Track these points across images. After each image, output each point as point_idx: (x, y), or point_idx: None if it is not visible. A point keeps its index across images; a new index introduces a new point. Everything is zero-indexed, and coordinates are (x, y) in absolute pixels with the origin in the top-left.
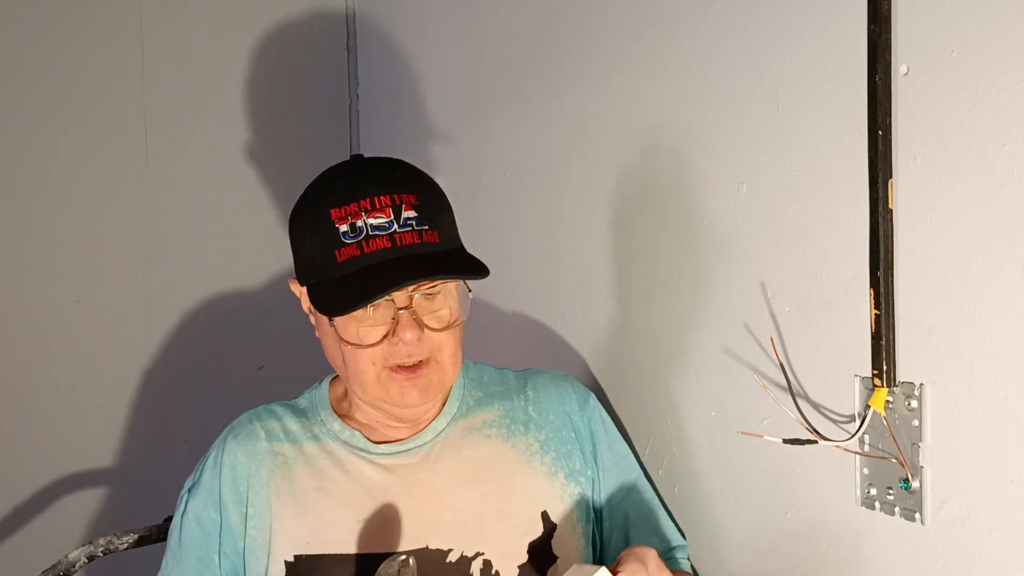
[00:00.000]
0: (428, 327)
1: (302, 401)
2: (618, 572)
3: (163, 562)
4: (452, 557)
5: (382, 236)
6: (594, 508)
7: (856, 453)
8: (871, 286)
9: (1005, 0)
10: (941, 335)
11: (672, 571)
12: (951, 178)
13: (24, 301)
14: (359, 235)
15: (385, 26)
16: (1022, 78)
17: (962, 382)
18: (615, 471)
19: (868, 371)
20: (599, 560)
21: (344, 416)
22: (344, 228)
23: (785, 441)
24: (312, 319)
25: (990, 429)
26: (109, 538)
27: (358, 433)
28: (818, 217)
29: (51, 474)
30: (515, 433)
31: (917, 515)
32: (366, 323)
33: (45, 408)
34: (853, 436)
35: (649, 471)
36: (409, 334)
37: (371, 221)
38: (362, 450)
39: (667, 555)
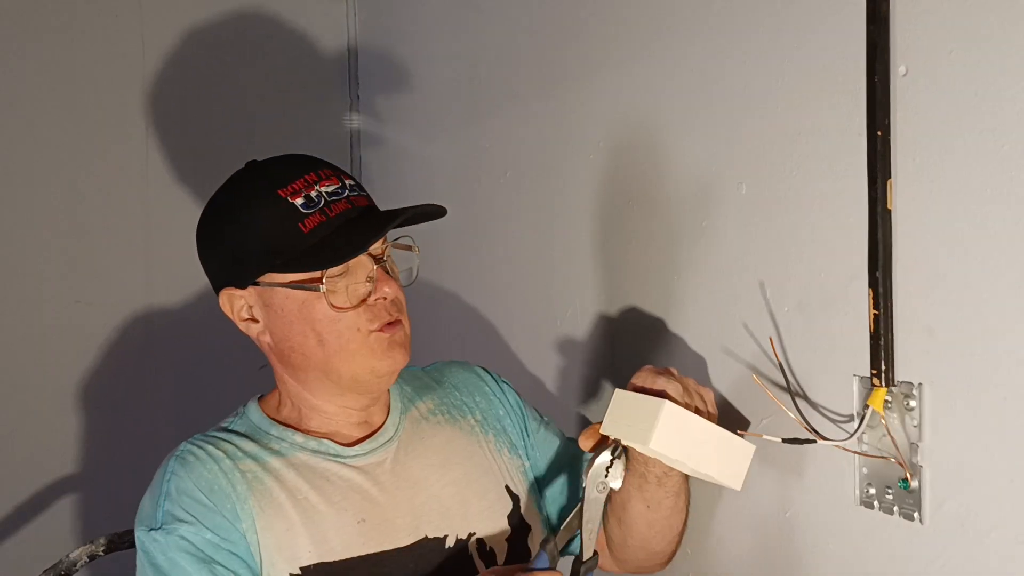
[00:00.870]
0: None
1: (237, 426)
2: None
3: None
4: (449, 543)
5: (340, 200)
6: (536, 474)
7: (855, 453)
8: (870, 286)
9: (1005, 0)
10: (940, 335)
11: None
12: (951, 178)
13: (24, 301)
14: (319, 203)
15: (385, 27)
16: (1022, 78)
17: (961, 382)
18: (541, 433)
19: (867, 371)
20: (553, 525)
21: (297, 430)
22: (300, 201)
23: (784, 441)
24: (256, 324)
25: (989, 429)
26: (110, 537)
27: (326, 440)
28: (818, 217)
29: (51, 474)
30: (456, 418)
31: (916, 514)
32: (352, 282)
33: (45, 408)
34: (852, 436)
35: None
36: (388, 288)
37: (324, 189)
38: (335, 455)
39: None
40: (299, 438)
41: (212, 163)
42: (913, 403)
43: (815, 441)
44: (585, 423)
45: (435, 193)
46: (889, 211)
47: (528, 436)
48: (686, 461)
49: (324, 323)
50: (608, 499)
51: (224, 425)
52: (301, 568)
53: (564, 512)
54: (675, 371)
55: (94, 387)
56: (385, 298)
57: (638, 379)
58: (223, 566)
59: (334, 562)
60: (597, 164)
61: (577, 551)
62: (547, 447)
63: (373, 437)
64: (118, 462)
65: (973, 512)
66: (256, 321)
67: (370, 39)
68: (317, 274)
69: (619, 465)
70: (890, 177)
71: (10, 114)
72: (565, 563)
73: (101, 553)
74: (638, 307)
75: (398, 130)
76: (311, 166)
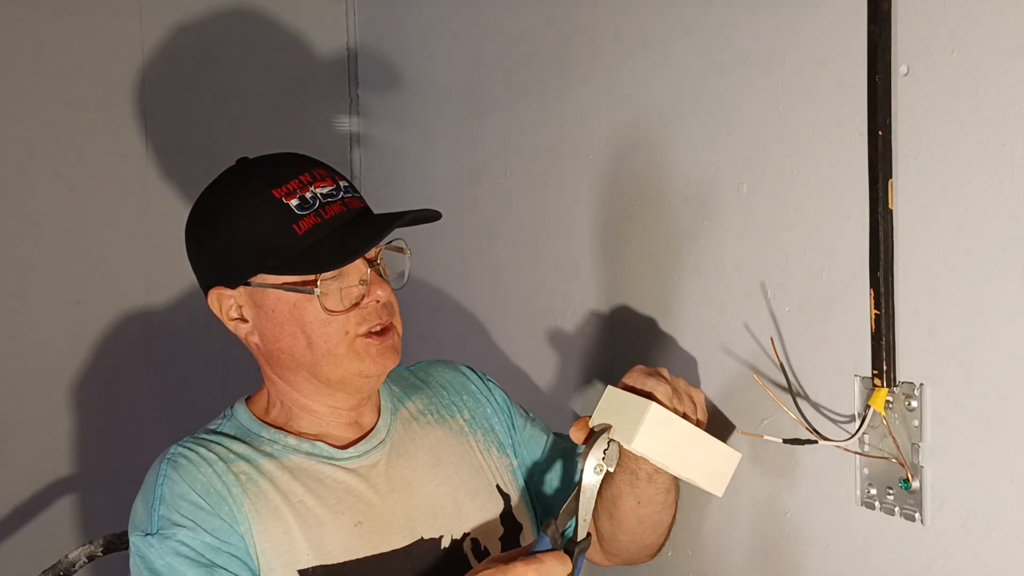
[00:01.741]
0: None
1: (226, 428)
2: (642, 387)
3: None
4: (444, 543)
5: (335, 202)
6: (525, 472)
7: (856, 453)
8: (871, 286)
9: (1005, 0)
10: (941, 335)
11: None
12: (951, 178)
13: (24, 301)
14: (313, 205)
15: (386, 27)
16: (1022, 78)
17: (962, 382)
18: (528, 430)
19: (868, 371)
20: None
21: (288, 432)
22: (295, 202)
23: (785, 441)
24: (245, 323)
25: (990, 429)
26: (109, 538)
27: (320, 443)
28: (818, 217)
29: (50, 474)
30: (444, 418)
31: (917, 515)
32: (345, 285)
33: (45, 408)
34: (853, 436)
35: None
36: (381, 291)
37: (319, 191)
38: (329, 458)
39: None
40: (292, 440)
41: (211, 163)
42: (914, 403)
43: (816, 442)
44: None
45: (435, 193)
46: (890, 211)
47: (515, 433)
48: (668, 464)
49: (315, 325)
50: (601, 489)
51: (212, 427)
52: (299, 571)
53: (556, 505)
54: (666, 372)
55: (93, 387)
56: (378, 301)
57: (629, 379)
58: (224, 569)
59: (332, 565)
60: (597, 164)
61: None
62: (534, 444)
63: (366, 439)
64: (117, 462)
65: (974, 512)
66: (245, 321)
67: (370, 40)
68: (311, 277)
69: (614, 448)
70: (891, 177)
71: (9, 114)
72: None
73: (100, 553)
74: (638, 307)
75: (397, 130)
76: (305, 166)
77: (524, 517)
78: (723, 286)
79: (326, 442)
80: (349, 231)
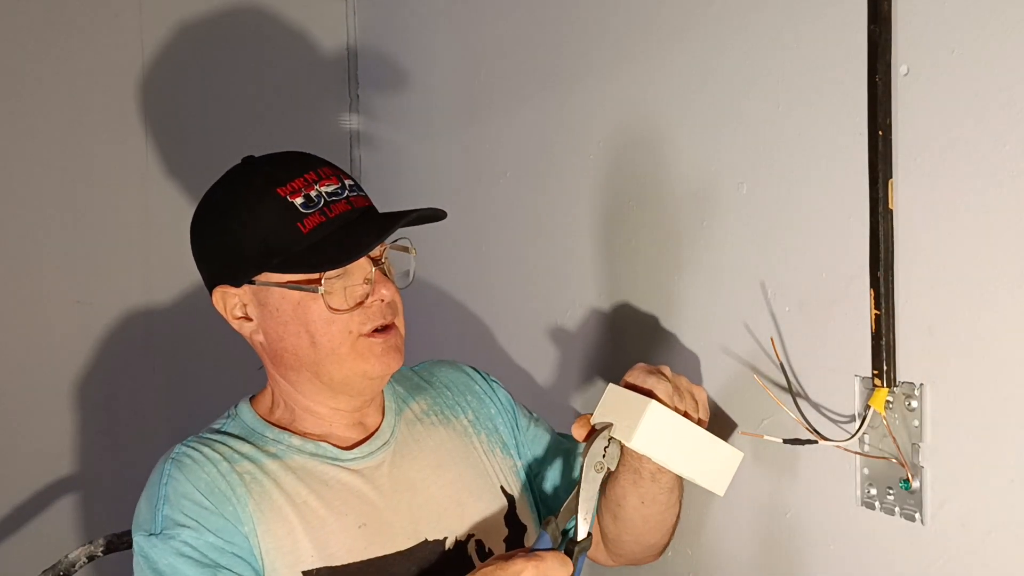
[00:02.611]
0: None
1: (230, 428)
2: (643, 385)
3: None
4: (448, 545)
5: (340, 200)
6: (528, 472)
7: (856, 453)
8: (871, 286)
9: (1005, 0)
10: (941, 335)
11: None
12: (951, 178)
13: (24, 301)
14: (318, 203)
15: (385, 27)
16: (1022, 78)
17: (962, 382)
18: (532, 430)
19: (868, 371)
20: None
21: (292, 432)
22: (299, 200)
23: (785, 441)
24: (250, 322)
25: (990, 429)
26: (110, 538)
27: (324, 443)
28: (818, 217)
29: (50, 474)
30: (448, 418)
31: (917, 515)
32: (349, 283)
33: (45, 408)
34: (853, 436)
35: None
36: (385, 290)
37: (324, 189)
38: (333, 459)
39: None
40: (296, 441)
41: (212, 163)
42: (914, 403)
43: (816, 442)
44: None
45: (435, 193)
46: (890, 211)
47: (519, 433)
48: (668, 462)
49: (318, 324)
50: (603, 488)
51: (216, 427)
52: (303, 572)
53: (559, 505)
54: (667, 370)
55: (94, 387)
56: (382, 300)
57: (631, 376)
58: (228, 569)
59: (336, 567)
60: (597, 164)
61: (573, 531)
62: (538, 444)
63: (370, 440)
64: (118, 462)
65: (974, 513)
66: (250, 320)
67: (370, 39)
68: (315, 275)
69: (615, 446)
70: (891, 177)
71: (10, 114)
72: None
73: (100, 554)
74: (638, 307)
75: (398, 130)
76: (310, 165)
77: (528, 518)
78: (723, 286)
79: (330, 443)
80: (353, 229)
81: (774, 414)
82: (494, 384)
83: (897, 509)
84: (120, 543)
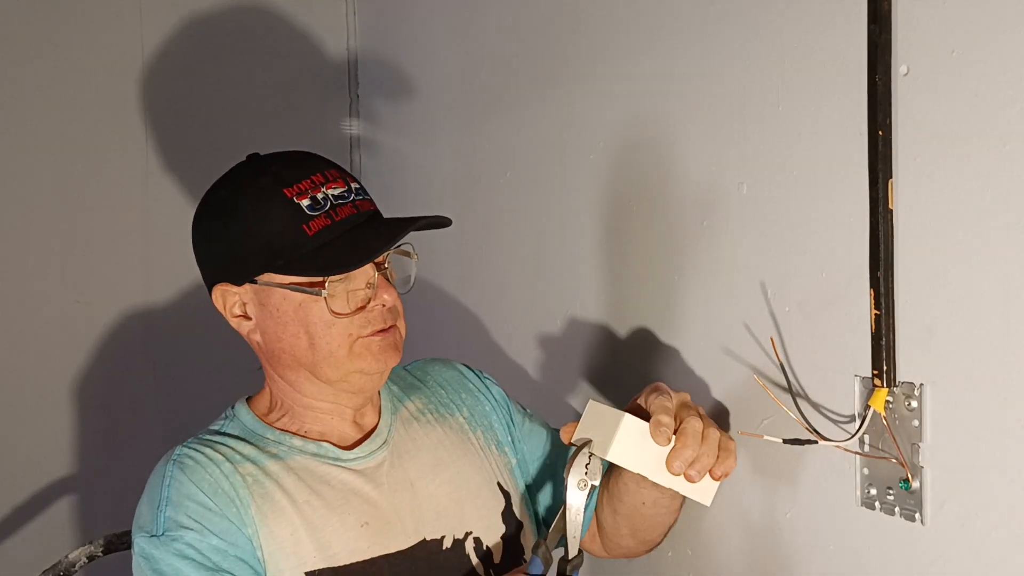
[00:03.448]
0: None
1: (229, 429)
2: (645, 404)
3: None
4: (447, 544)
5: (346, 204)
6: (524, 469)
7: (856, 453)
8: (871, 286)
9: (1005, 0)
10: (941, 335)
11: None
12: (951, 178)
13: (24, 301)
14: (324, 206)
15: (386, 29)
16: (1022, 78)
17: (962, 382)
18: (527, 426)
19: (868, 371)
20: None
21: (292, 433)
22: (306, 203)
23: (785, 441)
24: (249, 321)
25: (990, 429)
26: (110, 538)
27: (325, 444)
28: (818, 217)
29: (50, 474)
30: (443, 417)
31: (917, 515)
32: (352, 287)
33: (44, 408)
34: (853, 436)
35: None
36: (387, 295)
37: (331, 192)
38: (334, 459)
39: None
40: (297, 441)
41: (212, 165)
42: (914, 403)
43: (816, 442)
44: None
45: (435, 194)
46: (890, 211)
47: (514, 430)
48: (648, 473)
49: (319, 326)
50: (591, 494)
51: (216, 428)
52: (306, 573)
53: (555, 503)
54: (664, 386)
55: (93, 387)
56: (384, 305)
57: (640, 397)
58: (229, 573)
59: (339, 567)
60: (597, 165)
61: (564, 550)
62: (534, 439)
63: (369, 440)
64: (117, 462)
65: (974, 513)
66: (248, 319)
67: (370, 41)
68: (319, 278)
69: (596, 462)
70: (891, 177)
71: (9, 113)
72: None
73: (100, 554)
74: (638, 307)
75: (398, 131)
76: (318, 166)
77: (524, 514)
78: (723, 286)
79: (331, 443)
80: (359, 234)
81: (774, 414)
82: (487, 381)
83: (897, 509)
84: (120, 543)
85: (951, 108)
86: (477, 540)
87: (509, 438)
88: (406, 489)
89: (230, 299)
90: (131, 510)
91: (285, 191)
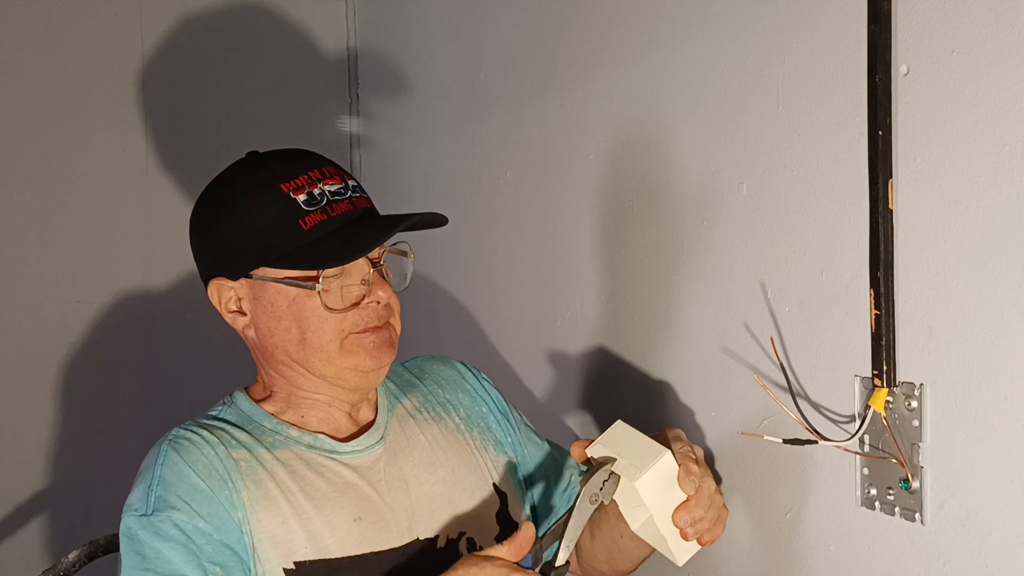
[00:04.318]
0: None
1: (227, 415)
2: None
3: None
4: (440, 543)
5: (342, 200)
6: (521, 471)
7: (856, 453)
8: (871, 286)
9: (1005, 0)
10: (941, 335)
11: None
12: (951, 178)
13: (24, 301)
14: (321, 201)
15: (385, 28)
16: (1022, 78)
17: (962, 382)
18: (523, 429)
19: (868, 371)
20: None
21: (289, 424)
22: (302, 198)
23: (785, 441)
24: (244, 316)
25: (990, 429)
26: (109, 538)
27: (322, 436)
28: (818, 217)
29: (50, 474)
30: (440, 415)
31: (917, 515)
32: (346, 283)
33: (44, 408)
34: (853, 436)
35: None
36: (382, 292)
37: (327, 188)
38: (330, 452)
39: None
40: (294, 432)
41: (211, 163)
42: (914, 403)
43: (816, 442)
44: (584, 422)
45: (435, 193)
46: (890, 211)
47: (512, 432)
48: (655, 513)
49: (311, 321)
50: (592, 518)
51: (213, 413)
52: (296, 563)
53: (541, 509)
54: (684, 435)
55: (93, 387)
56: (378, 302)
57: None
58: (212, 561)
59: (330, 559)
60: (597, 164)
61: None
62: (528, 445)
63: (366, 435)
64: (117, 462)
65: (974, 513)
66: (243, 314)
67: (370, 40)
68: (313, 273)
69: (613, 481)
70: (891, 177)
71: (9, 112)
72: None
73: (100, 554)
74: (638, 307)
75: (398, 130)
76: (315, 163)
77: (520, 516)
78: (723, 286)
79: (327, 435)
80: (354, 230)
81: (774, 414)
82: (485, 382)
83: (897, 509)
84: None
85: (952, 108)
86: (471, 540)
87: (508, 440)
88: (400, 487)
89: (225, 294)
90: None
91: (282, 186)
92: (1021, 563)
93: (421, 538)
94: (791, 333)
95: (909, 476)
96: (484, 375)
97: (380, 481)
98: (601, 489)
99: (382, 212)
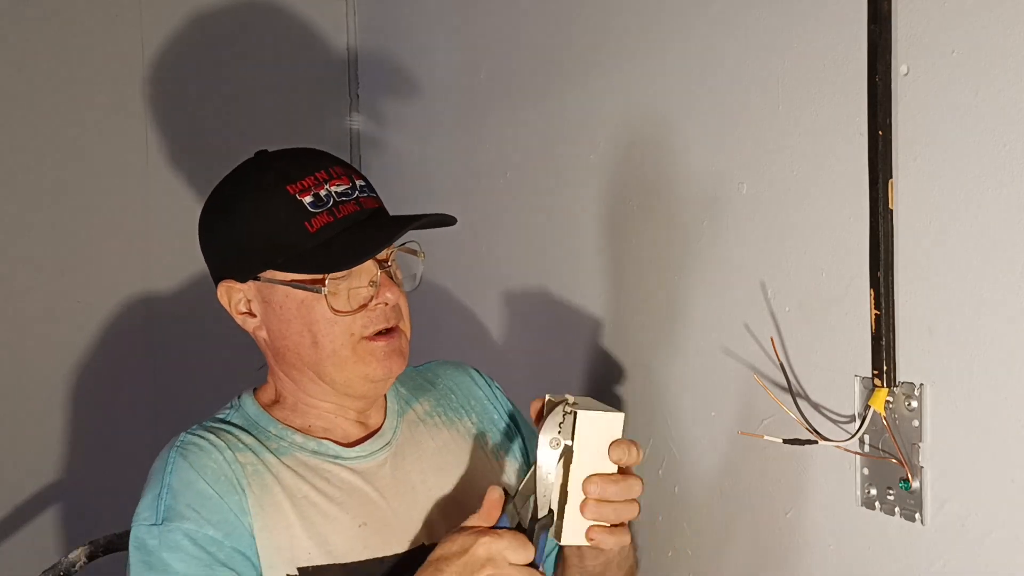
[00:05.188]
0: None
1: (234, 418)
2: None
3: None
4: None
5: (349, 201)
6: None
7: (856, 453)
8: (871, 286)
9: (1005, 0)
10: (941, 335)
11: None
12: (951, 178)
13: (24, 301)
14: (327, 203)
15: (386, 27)
16: (1022, 78)
17: (962, 382)
18: (532, 435)
19: (868, 371)
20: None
21: (295, 428)
22: (308, 199)
23: (785, 441)
24: (254, 318)
25: (990, 429)
26: (110, 538)
27: (327, 441)
28: (818, 217)
29: (50, 474)
30: (453, 420)
31: (917, 515)
32: (354, 285)
33: (44, 408)
34: (853, 436)
35: (649, 471)
36: (390, 293)
37: (334, 189)
38: (335, 457)
39: None
40: (299, 437)
41: (212, 164)
42: (914, 403)
43: (816, 442)
44: None
45: (435, 193)
46: (890, 211)
47: (522, 439)
48: (574, 462)
49: (321, 324)
50: (564, 464)
51: (221, 416)
52: (299, 568)
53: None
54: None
55: (93, 387)
56: (386, 304)
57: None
58: (225, 566)
59: (335, 565)
60: (597, 164)
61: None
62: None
63: (372, 439)
64: (117, 462)
65: (974, 513)
66: (253, 315)
67: (370, 39)
68: (319, 276)
69: (570, 422)
70: (891, 177)
71: (9, 112)
72: None
73: (100, 554)
74: (638, 306)
75: (398, 130)
76: (322, 163)
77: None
78: (723, 286)
79: (333, 440)
80: (361, 232)
81: (774, 414)
82: (496, 389)
83: (897, 509)
84: (120, 543)
85: (952, 108)
86: None
87: (516, 446)
88: (407, 492)
89: (235, 296)
90: (131, 510)
91: (288, 188)
92: (1021, 563)
93: (427, 544)
94: (791, 333)
95: (909, 476)
96: (496, 382)
97: (386, 486)
98: (559, 431)
99: (392, 212)
